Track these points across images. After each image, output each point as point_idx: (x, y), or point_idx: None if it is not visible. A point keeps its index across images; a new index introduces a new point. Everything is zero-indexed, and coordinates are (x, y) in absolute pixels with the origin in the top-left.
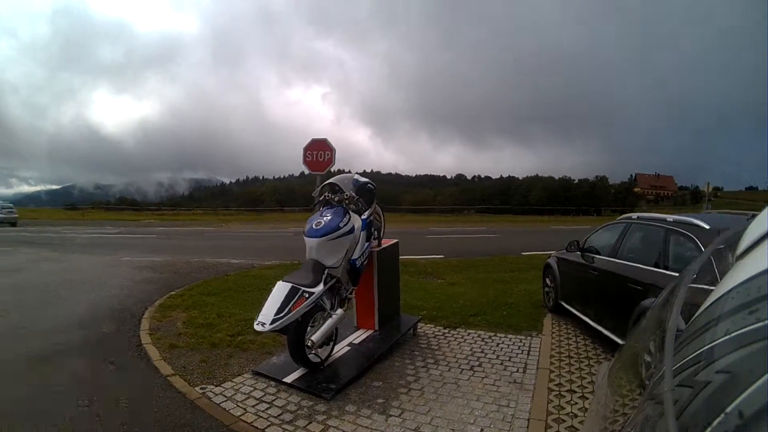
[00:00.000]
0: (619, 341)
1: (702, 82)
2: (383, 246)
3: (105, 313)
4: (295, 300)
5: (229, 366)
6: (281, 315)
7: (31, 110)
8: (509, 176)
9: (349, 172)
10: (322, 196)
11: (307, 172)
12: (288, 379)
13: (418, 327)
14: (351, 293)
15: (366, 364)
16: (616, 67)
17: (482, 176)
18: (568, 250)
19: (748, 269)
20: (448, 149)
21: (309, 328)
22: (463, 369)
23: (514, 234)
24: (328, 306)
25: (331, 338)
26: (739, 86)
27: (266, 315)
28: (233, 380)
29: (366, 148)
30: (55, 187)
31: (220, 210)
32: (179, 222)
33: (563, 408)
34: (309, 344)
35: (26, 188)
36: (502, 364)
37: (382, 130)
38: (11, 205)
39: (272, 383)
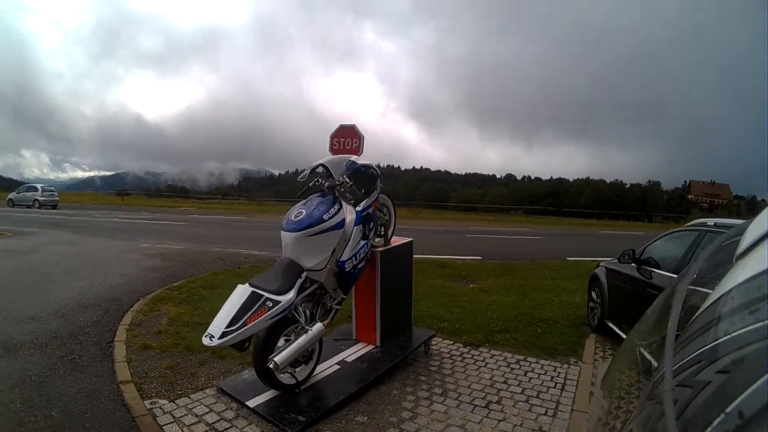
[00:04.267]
0: None
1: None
2: (392, 245)
3: (93, 301)
4: (254, 310)
5: (195, 377)
6: (234, 328)
7: (78, 98)
8: (559, 178)
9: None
10: (312, 182)
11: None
12: (252, 403)
13: (433, 342)
14: (339, 303)
15: (353, 391)
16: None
17: (532, 177)
18: (621, 261)
19: (748, 269)
20: (498, 147)
21: (282, 340)
22: (476, 406)
23: (560, 237)
24: (302, 318)
25: (311, 356)
26: None
27: (217, 326)
28: (192, 396)
29: (414, 144)
30: (107, 173)
31: (264, 201)
32: (216, 210)
33: None
34: (272, 366)
35: (80, 174)
36: (527, 401)
37: (430, 125)
38: (52, 188)
39: (234, 405)
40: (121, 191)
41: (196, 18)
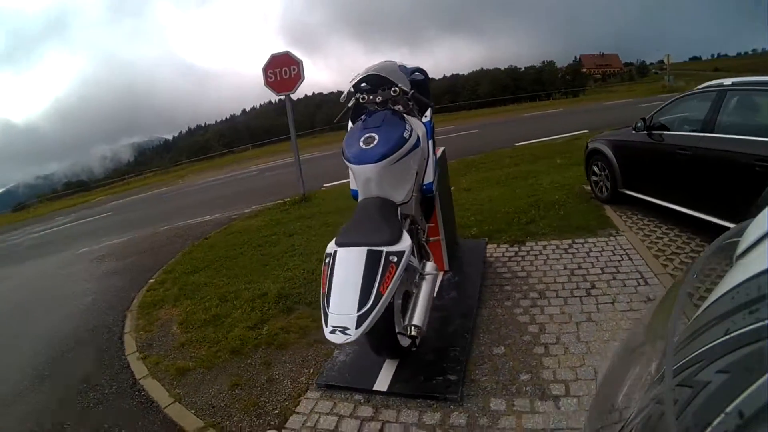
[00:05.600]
0: (728, 224)
1: None
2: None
3: (74, 340)
4: (381, 273)
5: (276, 384)
6: (369, 306)
7: None
8: (453, 74)
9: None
10: (352, 100)
11: (276, 98)
12: (381, 386)
13: None
14: (426, 234)
15: (471, 326)
16: None
17: None
18: (637, 130)
19: (748, 269)
20: (383, 56)
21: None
22: (580, 297)
23: (490, 127)
24: (416, 263)
25: None
26: None
27: (344, 312)
28: (298, 410)
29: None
30: None
31: (171, 168)
32: (132, 190)
33: None
34: (415, 332)
35: None
36: (614, 278)
37: (311, 49)
38: None
39: (359, 397)
40: (17, 206)
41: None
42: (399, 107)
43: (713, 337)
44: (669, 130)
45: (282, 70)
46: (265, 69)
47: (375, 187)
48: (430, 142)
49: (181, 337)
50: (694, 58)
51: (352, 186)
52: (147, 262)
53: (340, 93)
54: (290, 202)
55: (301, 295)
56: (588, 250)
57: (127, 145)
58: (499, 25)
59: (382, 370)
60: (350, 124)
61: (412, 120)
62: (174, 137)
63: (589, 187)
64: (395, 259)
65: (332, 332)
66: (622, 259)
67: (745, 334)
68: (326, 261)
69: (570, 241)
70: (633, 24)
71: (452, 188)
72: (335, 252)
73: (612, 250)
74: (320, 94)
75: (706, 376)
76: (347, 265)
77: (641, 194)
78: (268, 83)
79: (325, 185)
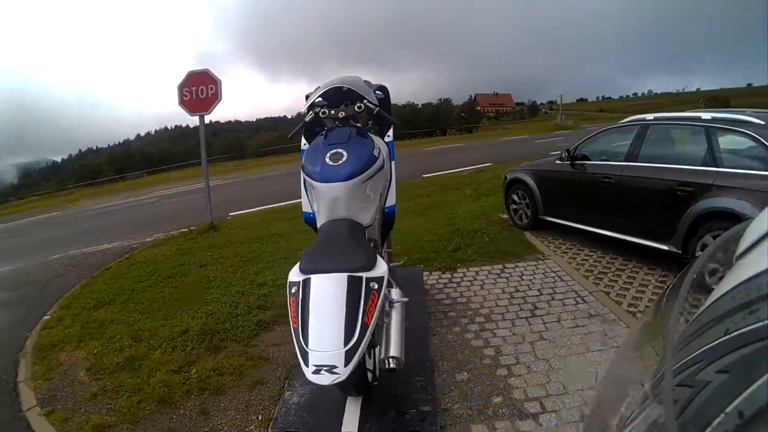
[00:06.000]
0: (652, 244)
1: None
2: None
3: None
4: (364, 301)
5: None
6: (356, 339)
7: None
8: None
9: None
10: (309, 114)
11: (192, 121)
12: (350, 427)
13: None
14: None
15: (428, 354)
16: None
17: None
18: (563, 160)
19: (748, 269)
20: (283, 88)
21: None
22: (526, 318)
23: (397, 159)
24: (388, 290)
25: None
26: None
27: (328, 347)
28: None
29: None
30: None
31: (59, 192)
32: (17, 214)
33: None
34: (395, 365)
35: None
36: (553, 298)
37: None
38: None
39: None
40: None
41: None
42: (359, 125)
43: (713, 337)
44: (591, 160)
45: (199, 88)
46: (181, 87)
47: (343, 207)
48: (392, 163)
49: (91, 386)
50: (581, 100)
51: (305, 208)
52: (40, 296)
53: (238, 122)
54: (197, 230)
55: (228, 332)
56: (520, 274)
57: (11, 164)
58: (399, 61)
59: (347, 410)
60: (303, 142)
61: (376, 139)
62: (63, 159)
63: (507, 215)
64: (376, 286)
65: (316, 372)
66: (555, 281)
67: (745, 334)
68: (292, 291)
69: (501, 266)
70: (526, 66)
71: None
72: (306, 280)
73: (543, 273)
74: (217, 122)
75: (706, 376)
76: (326, 293)
77: (563, 220)
78: (183, 102)
79: (231, 214)
